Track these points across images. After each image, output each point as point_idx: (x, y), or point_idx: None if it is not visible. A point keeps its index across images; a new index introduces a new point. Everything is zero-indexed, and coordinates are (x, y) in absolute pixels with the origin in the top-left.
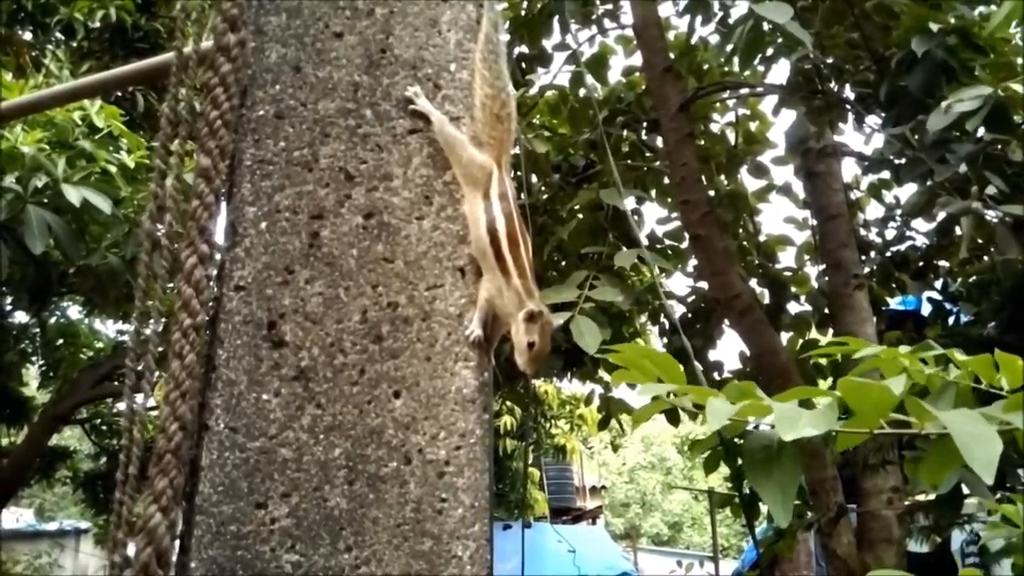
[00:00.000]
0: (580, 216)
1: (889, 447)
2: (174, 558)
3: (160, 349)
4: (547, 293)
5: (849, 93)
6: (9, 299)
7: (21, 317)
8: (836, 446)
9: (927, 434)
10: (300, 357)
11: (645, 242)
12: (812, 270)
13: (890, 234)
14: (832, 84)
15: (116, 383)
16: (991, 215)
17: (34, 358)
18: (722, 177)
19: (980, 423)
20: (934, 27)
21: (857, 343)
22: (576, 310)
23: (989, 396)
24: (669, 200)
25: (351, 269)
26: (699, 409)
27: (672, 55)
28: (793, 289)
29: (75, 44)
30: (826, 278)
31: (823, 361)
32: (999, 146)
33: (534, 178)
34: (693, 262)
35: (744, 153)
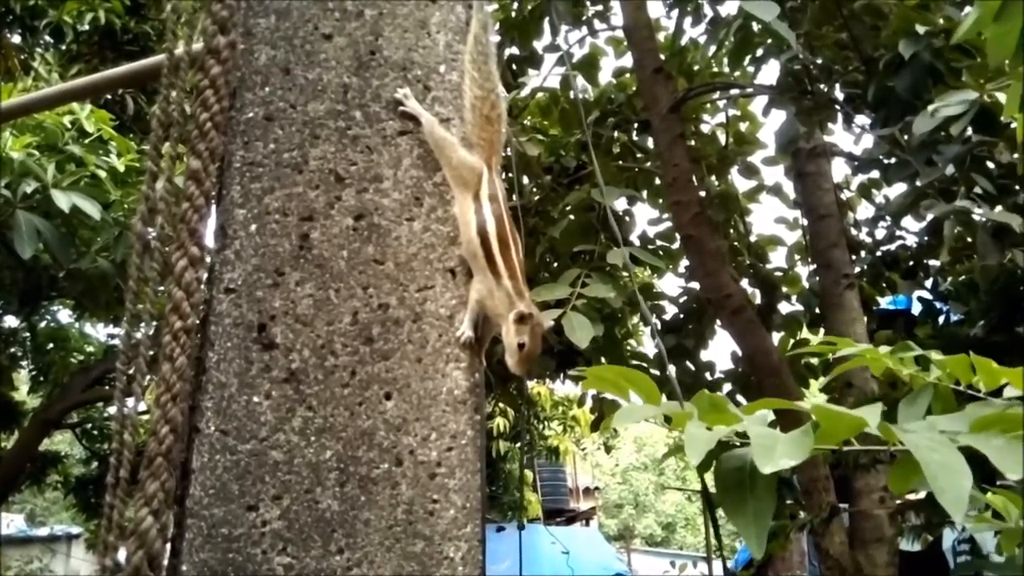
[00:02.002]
0: (571, 217)
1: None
2: (165, 561)
3: (151, 352)
4: (539, 291)
5: (838, 94)
6: None
7: (11, 321)
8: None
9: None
10: (291, 359)
11: (637, 243)
12: (803, 270)
13: (880, 234)
14: (821, 85)
15: (107, 387)
16: (977, 213)
17: (24, 362)
18: (713, 178)
19: (950, 451)
20: (921, 29)
21: (843, 341)
22: (568, 307)
23: (969, 397)
24: (660, 201)
25: (341, 271)
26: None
27: (662, 56)
28: (784, 289)
29: (64, 47)
30: (817, 278)
31: (814, 361)
32: (985, 148)
33: (525, 179)
34: (685, 263)
35: (735, 154)
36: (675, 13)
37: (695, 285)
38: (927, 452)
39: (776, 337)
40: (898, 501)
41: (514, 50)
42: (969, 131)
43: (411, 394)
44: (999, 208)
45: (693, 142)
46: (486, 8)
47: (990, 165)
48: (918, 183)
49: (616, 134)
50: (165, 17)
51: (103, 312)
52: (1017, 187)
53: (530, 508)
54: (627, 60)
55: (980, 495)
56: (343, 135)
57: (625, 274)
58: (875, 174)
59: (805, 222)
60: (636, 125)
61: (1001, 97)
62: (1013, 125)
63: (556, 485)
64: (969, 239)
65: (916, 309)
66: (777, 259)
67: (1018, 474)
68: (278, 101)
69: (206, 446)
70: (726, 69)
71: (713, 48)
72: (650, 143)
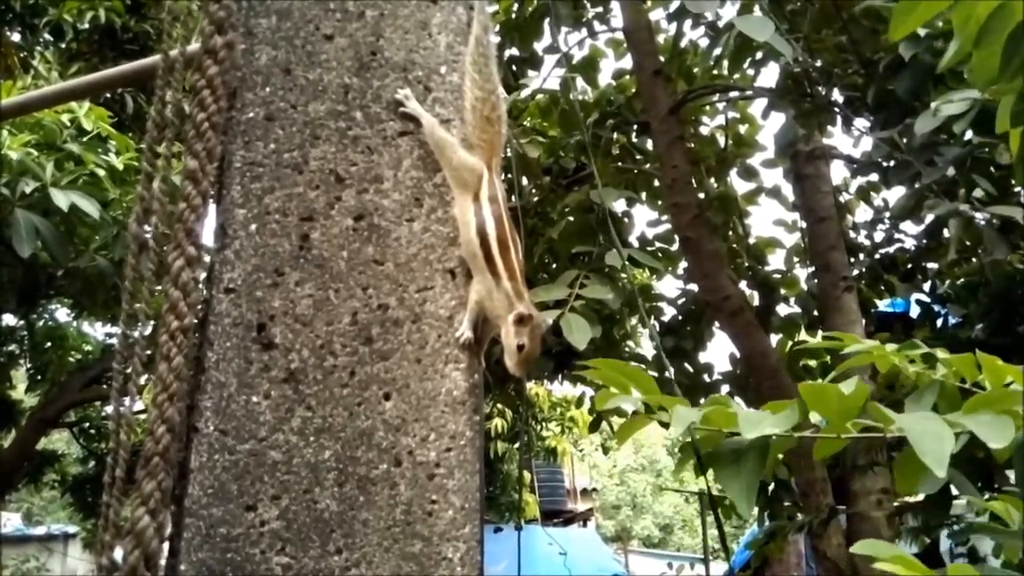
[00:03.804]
0: (570, 218)
1: (878, 448)
2: (163, 561)
3: (148, 352)
4: (538, 292)
5: (838, 96)
6: None
7: (9, 320)
8: (816, 456)
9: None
10: (290, 359)
11: (635, 244)
12: (801, 272)
13: (879, 236)
14: (821, 87)
15: (104, 386)
16: (979, 217)
17: (22, 361)
18: (712, 180)
19: (933, 421)
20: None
21: (849, 338)
22: (567, 308)
23: (974, 395)
24: (659, 203)
25: (341, 271)
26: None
27: (662, 58)
28: (783, 291)
29: (64, 45)
30: (815, 280)
31: (812, 363)
32: (986, 149)
33: (524, 180)
34: (683, 264)
35: (734, 156)
36: (675, 18)
37: (693, 287)
38: (913, 425)
39: (774, 339)
40: (896, 503)
41: (514, 51)
42: (969, 134)
43: (410, 395)
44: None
45: (692, 144)
46: (487, 10)
47: (991, 167)
48: (917, 185)
49: (615, 136)
50: (162, 17)
51: (101, 311)
52: (1017, 188)
53: (528, 509)
54: (627, 62)
55: (979, 500)
56: (344, 135)
57: (624, 276)
58: (874, 177)
59: (804, 224)
60: (635, 127)
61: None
62: None
63: (554, 486)
64: (969, 243)
65: (914, 312)
66: (776, 261)
67: (1003, 443)
68: (279, 101)
69: (205, 446)
70: (725, 72)
71: (716, 52)
72: (649, 145)
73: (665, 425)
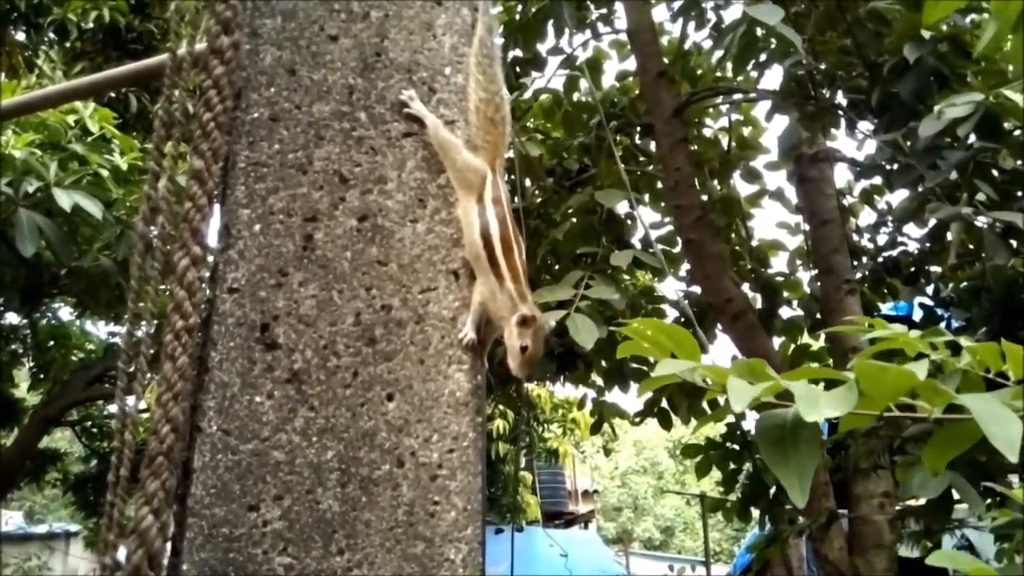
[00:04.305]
0: (574, 219)
1: (880, 452)
2: (166, 560)
3: (152, 351)
4: (542, 292)
5: (841, 99)
6: (0, 300)
7: (12, 318)
8: (840, 428)
9: (926, 430)
10: (293, 359)
11: (638, 246)
12: (804, 275)
13: (882, 239)
14: (825, 90)
15: (107, 385)
16: (981, 221)
17: (25, 359)
18: (715, 182)
19: (997, 404)
20: (926, 34)
21: (878, 323)
22: (572, 308)
23: (997, 385)
24: (662, 204)
25: (345, 272)
26: (713, 389)
27: (666, 60)
28: (785, 294)
29: (68, 45)
30: (818, 283)
31: (815, 366)
32: (989, 153)
33: (528, 182)
34: (686, 266)
35: (737, 158)
36: (679, 17)
37: (696, 289)
38: (979, 405)
39: (777, 342)
40: (898, 507)
41: (518, 52)
42: (972, 138)
43: (413, 395)
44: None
45: (695, 146)
46: (491, 11)
47: (993, 171)
48: (920, 189)
49: (618, 137)
50: (169, 16)
51: (104, 310)
52: (1020, 193)
53: (529, 510)
54: (630, 63)
55: (979, 504)
56: (348, 136)
57: (627, 277)
58: (877, 180)
59: (807, 227)
60: (638, 128)
61: (1013, 96)
62: (1017, 132)
63: (555, 488)
64: (972, 246)
65: (917, 315)
66: (778, 264)
67: None
68: (283, 102)
69: (208, 445)
70: (729, 74)
71: (719, 53)
72: (652, 147)
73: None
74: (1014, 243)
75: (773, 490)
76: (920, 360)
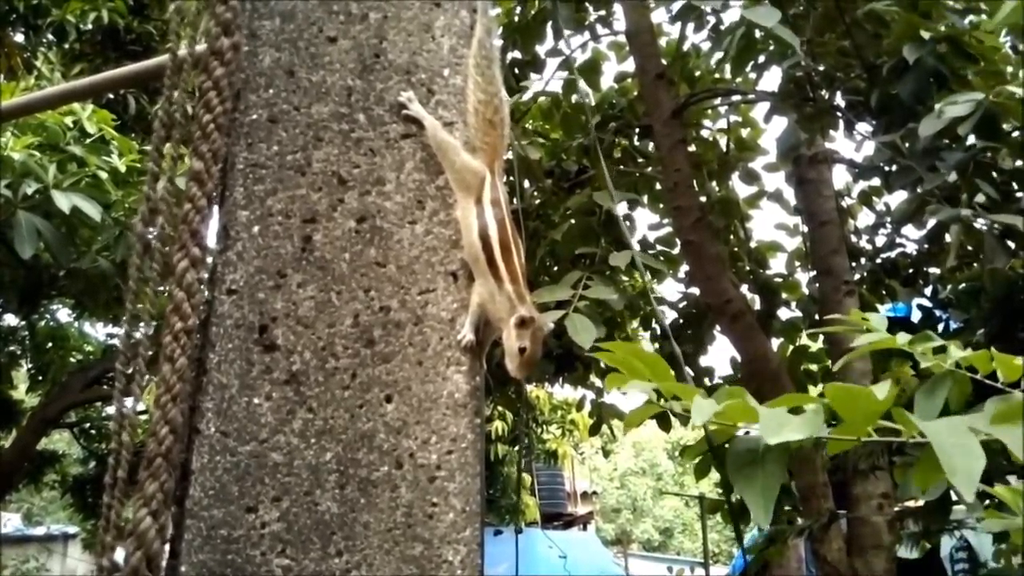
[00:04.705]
0: (572, 220)
1: (879, 453)
2: (164, 562)
3: (151, 352)
4: (541, 293)
5: (840, 100)
6: None
7: (11, 320)
8: (827, 451)
9: (916, 442)
10: (292, 361)
11: (637, 247)
12: (803, 276)
13: (880, 241)
14: (823, 91)
15: (106, 387)
16: (980, 223)
17: (23, 361)
18: (714, 183)
19: (964, 434)
20: (925, 35)
21: (858, 315)
22: (570, 308)
23: (987, 388)
24: (661, 206)
25: (343, 273)
26: (688, 413)
27: (664, 61)
28: (784, 295)
29: (67, 46)
30: (817, 284)
31: (813, 367)
32: (989, 154)
33: (527, 183)
34: (685, 268)
35: (736, 159)
36: (678, 20)
37: (695, 290)
38: (942, 436)
39: (775, 343)
40: (896, 508)
41: (516, 54)
42: (972, 139)
43: (411, 397)
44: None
45: (694, 147)
46: (490, 13)
47: (993, 172)
48: (919, 190)
49: (617, 139)
50: (169, 18)
51: (102, 312)
52: (1020, 194)
53: (528, 512)
54: (629, 65)
55: (978, 507)
56: (346, 138)
57: (626, 278)
58: (876, 181)
59: (805, 228)
60: (637, 130)
61: (1015, 90)
62: (1016, 133)
63: (554, 489)
64: (970, 247)
65: (916, 317)
66: (777, 265)
67: None
68: (282, 103)
69: (206, 447)
70: (728, 75)
71: (718, 55)
72: (651, 148)
73: (678, 415)
74: (1012, 245)
75: None
76: (884, 383)
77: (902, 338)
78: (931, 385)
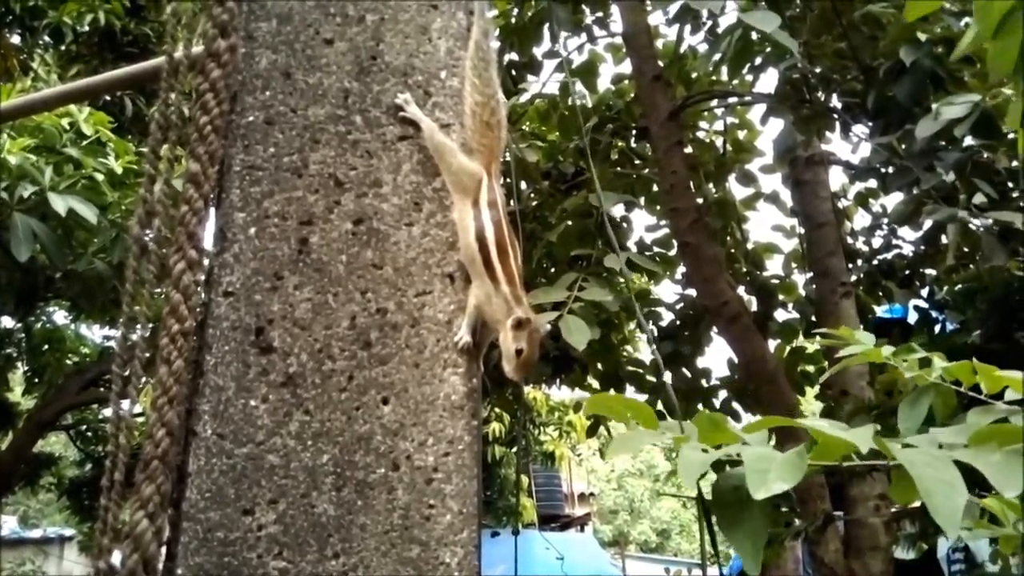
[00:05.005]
0: (569, 222)
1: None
2: (160, 565)
3: (147, 355)
4: (536, 294)
5: (837, 102)
6: None
7: (7, 322)
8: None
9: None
10: (288, 363)
11: (634, 249)
12: (800, 278)
13: (877, 242)
14: (820, 93)
15: (102, 389)
16: (976, 223)
17: (19, 363)
18: (711, 185)
19: (946, 467)
20: (922, 37)
21: (848, 334)
22: (565, 310)
23: (971, 399)
24: (658, 207)
25: (340, 275)
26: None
27: (661, 63)
28: (781, 296)
29: (63, 48)
30: (813, 286)
31: (810, 368)
32: (986, 154)
33: (523, 185)
34: (682, 269)
35: (733, 161)
36: (674, 20)
37: (692, 292)
38: (922, 468)
39: (772, 344)
40: (893, 509)
41: (513, 56)
42: (969, 139)
43: (408, 399)
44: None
45: (691, 149)
46: (487, 14)
47: (991, 172)
48: (916, 191)
49: (614, 140)
50: (165, 19)
51: (99, 314)
52: (1016, 194)
53: (525, 513)
54: (626, 67)
55: (976, 500)
56: (343, 140)
57: (622, 280)
58: (872, 183)
59: (802, 230)
60: (634, 132)
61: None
62: (1012, 135)
63: (551, 490)
64: (967, 249)
65: (912, 318)
66: (774, 267)
67: (1016, 490)
68: (278, 105)
69: (202, 450)
70: (725, 77)
71: (715, 57)
72: (648, 150)
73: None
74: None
75: None
76: (868, 427)
77: (887, 350)
78: (915, 396)
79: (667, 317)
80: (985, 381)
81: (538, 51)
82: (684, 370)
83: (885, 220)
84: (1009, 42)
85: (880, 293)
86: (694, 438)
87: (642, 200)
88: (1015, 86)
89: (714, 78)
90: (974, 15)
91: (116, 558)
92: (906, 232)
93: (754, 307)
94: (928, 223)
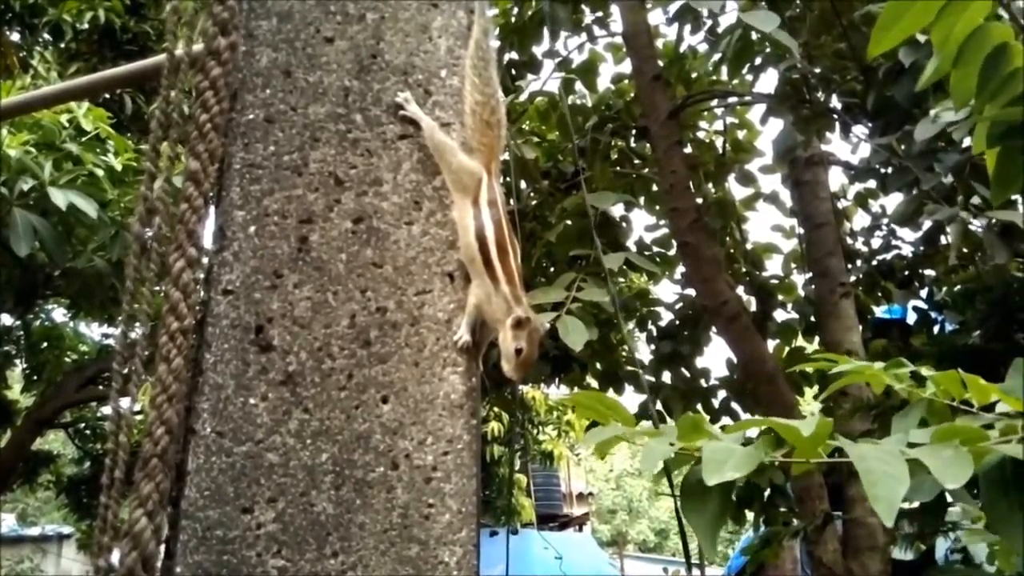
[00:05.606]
0: (568, 221)
1: None
2: (159, 563)
3: (147, 353)
4: (535, 294)
5: (836, 103)
6: None
7: (6, 319)
8: (793, 471)
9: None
10: (288, 361)
11: (633, 248)
12: (799, 278)
13: (876, 243)
14: (820, 94)
15: (101, 387)
16: (976, 224)
17: (18, 361)
18: (710, 185)
19: (891, 461)
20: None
21: (840, 358)
22: (563, 310)
23: (965, 411)
24: (657, 207)
25: (340, 274)
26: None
27: (661, 63)
28: (780, 297)
29: (63, 45)
30: (813, 286)
31: (809, 368)
32: (984, 155)
33: (523, 184)
34: (681, 269)
35: (732, 161)
36: (674, 19)
37: (691, 292)
38: (870, 461)
39: (772, 345)
40: None
41: (513, 55)
42: (968, 140)
43: (408, 398)
44: None
45: (691, 149)
46: (487, 14)
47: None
48: (916, 191)
49: (613, 140)
50: (165, 17)
51: (98, 311)
52: (1015, 196)
53: (523, 513)
54: (626, 66)
55: (973, 507)
56: (343, 138)
57: (621, 279)
58: (872, 183)
59: (801, 230)
60: (634, 131)
61: None
62: None
63: (549, 490)
64: (966, 250)
65: (911, 318)
66: (773, 267)
67: (957, 483)
68: (279, 103)
69: (202, 448)
70: (724, 77)
71: (715, 57)
72: (648, 149)
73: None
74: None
75: (767, 493)
76: (827, 420)
77: (878, 365)
78: (906, 411)
79: (666, 317)
80: (974, 392)
81: (538, 50)
82: (683, 370)
83: (885, 220)
84: (968, 71)
85: (879, 293)
86: (670, 435)
87: (642, 200)
88: (978, 110)
89: (714, 78)
90: (934, 44)
91: (115, 556)
92: (905, 233)
93: (753, 307)
94: (927, 223)
